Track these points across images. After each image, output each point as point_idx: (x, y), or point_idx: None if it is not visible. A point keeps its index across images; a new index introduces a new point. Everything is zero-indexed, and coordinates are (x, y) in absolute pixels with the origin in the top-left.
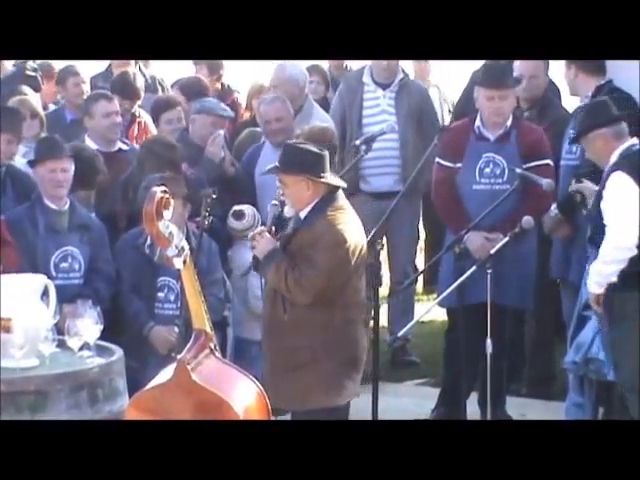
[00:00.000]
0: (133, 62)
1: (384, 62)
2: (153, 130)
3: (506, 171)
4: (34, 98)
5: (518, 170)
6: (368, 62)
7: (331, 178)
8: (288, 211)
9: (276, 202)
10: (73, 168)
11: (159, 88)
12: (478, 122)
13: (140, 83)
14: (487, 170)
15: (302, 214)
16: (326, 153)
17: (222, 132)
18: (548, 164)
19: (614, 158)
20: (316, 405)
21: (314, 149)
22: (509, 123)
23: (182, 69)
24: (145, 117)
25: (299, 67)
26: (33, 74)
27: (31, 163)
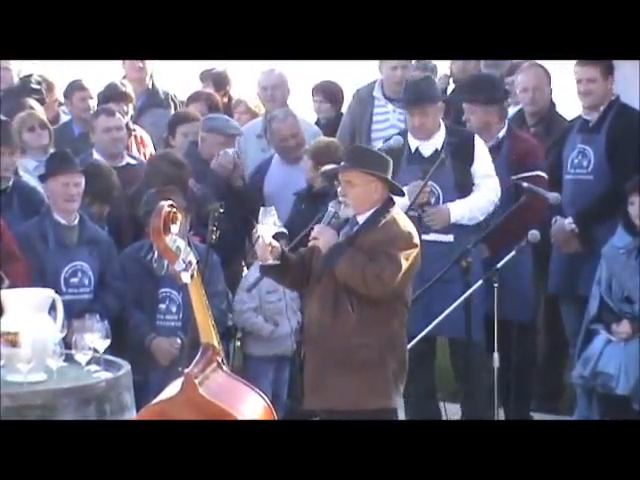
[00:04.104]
0: (148, 76)
1: (397, 76)
2: (149, 144)
3: None
4: (40, 111)
5: (525, 184)
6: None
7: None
8: (345, 212)
9: (337, 202)
10: (84, 183)
11: (171, 104)
12: None
13: (128, 89)
14: None
15: (361, 218)
16: (390, 160)
17: (230, 150)
18: (539, 175)
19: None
20: (377, 405)
21: (383, 154)
22: (501, 134)
23: (189, 85)
24: (140, 132)
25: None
26: (38, 87)
27: (42, 177)
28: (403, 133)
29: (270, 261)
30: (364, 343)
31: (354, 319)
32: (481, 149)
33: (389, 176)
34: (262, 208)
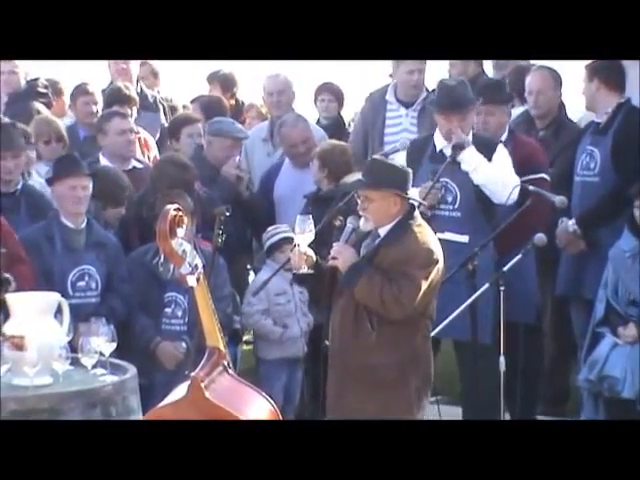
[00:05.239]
0: (134, 80)
1: (413, 80)
2: (153, 146)
3: None
4: (47, 114)
5: (531, 187)
6: (390, 81)
7: (415, 195)
8: (365, 226)
9: (356, 217)
10: (91, 186)
11: (160, 107)
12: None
13: (132, 91)
14: None
15: (382, 230)
16: (410, 170)
17: (237, 159)
18: (543, 178)
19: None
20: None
21: (401, 166)
22: (504, 137)
23: (196, 87)
24: (144, 134)
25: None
26: (44, 91)
27: (49, 181)
28: (430, 136)
29: (304, 270)
30: (384, 363)
31: (374, 338)
32: (502, 157)
33: (409, 185)
34: (299, 216)
